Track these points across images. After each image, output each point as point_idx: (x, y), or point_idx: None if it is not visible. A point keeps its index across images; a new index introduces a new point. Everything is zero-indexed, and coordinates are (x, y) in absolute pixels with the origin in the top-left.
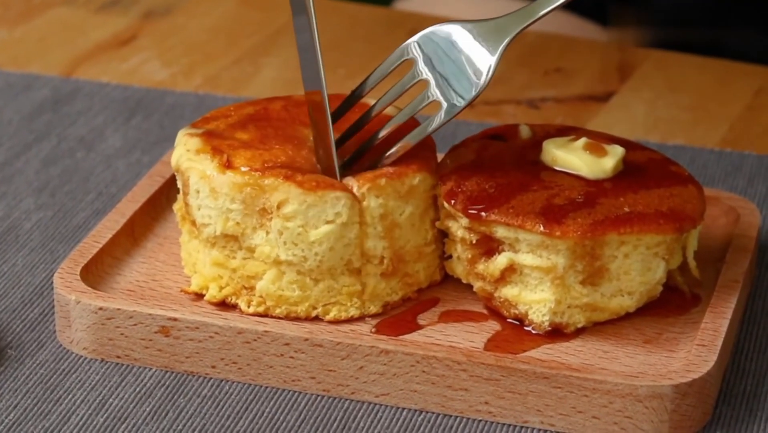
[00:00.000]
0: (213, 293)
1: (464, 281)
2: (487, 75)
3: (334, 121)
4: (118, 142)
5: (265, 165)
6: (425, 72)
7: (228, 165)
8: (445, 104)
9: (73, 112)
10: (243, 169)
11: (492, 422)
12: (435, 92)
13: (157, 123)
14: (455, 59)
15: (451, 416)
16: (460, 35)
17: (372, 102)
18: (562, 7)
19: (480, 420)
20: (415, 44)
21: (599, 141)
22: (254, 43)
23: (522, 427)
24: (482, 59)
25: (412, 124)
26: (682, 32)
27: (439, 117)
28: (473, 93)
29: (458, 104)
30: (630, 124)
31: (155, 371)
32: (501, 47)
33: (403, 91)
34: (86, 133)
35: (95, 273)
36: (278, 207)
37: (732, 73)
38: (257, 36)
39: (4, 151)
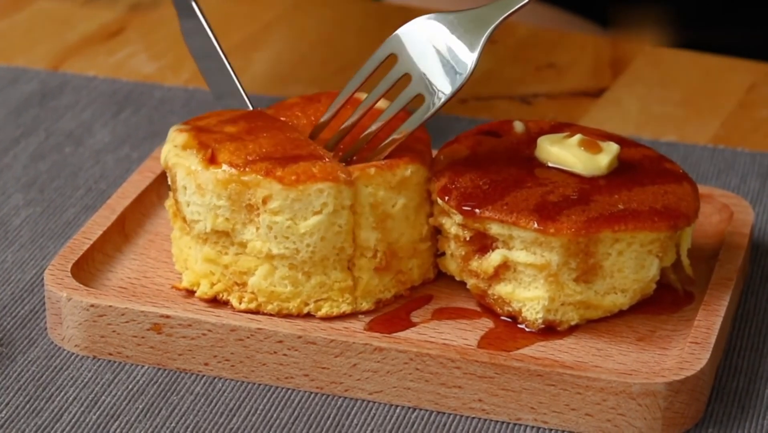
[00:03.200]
0: (204, 289)
1: (457, 278)
2: (471, 65)
3: (323, 125)
4: (106, 137)
5: (248, 158)
6: (409, 66)
7: (212, 160)
8: (430, 97)
9: (60, 106)
10: (224, 165)
11: (485, 420)
12: (420, 86)
13: (146, 117)
14: (438, 52)
15: (444, 413)
16: (441, 27)
17: (358, 99)
18: (560, 4)
19: (473, 418)
20: (398, 39)
21: (594, 138)
22: (243, 37)
23: (515, 424)
24: (465, 50)
25: (400, 118)
26: (679, 33)
27: (426, 110)
28: (458, 84)
29: (443, 96)
30: (622, 119)
31: (148, 368)
32: (484, 37)
33: (388, 87)
34: (74, 127)
35: (86, 270)
36: (264, 202)
37: (724, 68)
38: (246, 30)
39: None
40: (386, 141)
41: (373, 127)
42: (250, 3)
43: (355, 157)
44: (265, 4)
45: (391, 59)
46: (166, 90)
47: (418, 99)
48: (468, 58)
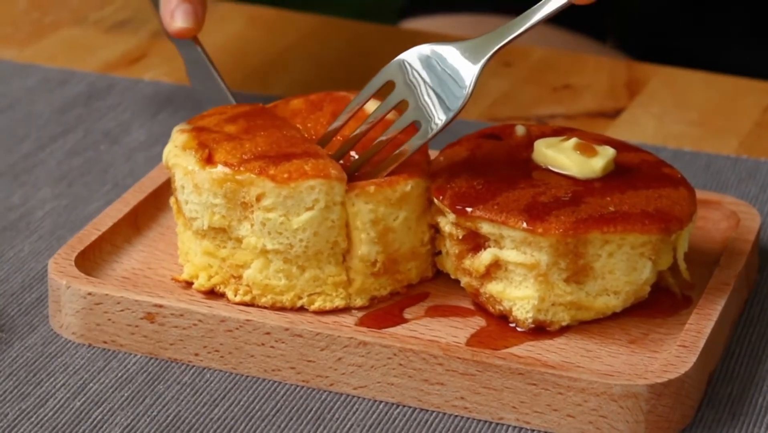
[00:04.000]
0: (202, 281)
1: (453, 276)
2: (468, 91)
3: (326, 141)
4: (142, 136)
5: (243, 157)
6: (406, 93)
7: (208, 160)
8: (427, 123)
9: (104, 107)
10: (219, 164)
11: (467, 418)
12: (416, 113)
13: (184, 118)
14: (436, 79)
15: (427, 410)
16: (439, 55)
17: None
18: (558, 24)
19: (455, 415)
20: (396, 66)
21: (592, 142)
22: (262, 61)
23: (497, 424)
24: (462, 78)
25: (407, 132)
26: (694, 54)
27: (425, 135)
28: (456, 109)
29: (440, 122)
30: (639, 140)
31: (140, 357)
32: (482, 62)
33: (386, 112)
34: (113, 127)
35: (92, 260)
36: (257, 200)
37: (740, 89)
38: (265, 55)
39: (31, 143)
40: (387, 160)
41: (374, 144)
42: (268, 28)
43: (356, 174)
44: (283, 30)
45: (389, 86)
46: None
47: (414, 123)
48: (467, 80)
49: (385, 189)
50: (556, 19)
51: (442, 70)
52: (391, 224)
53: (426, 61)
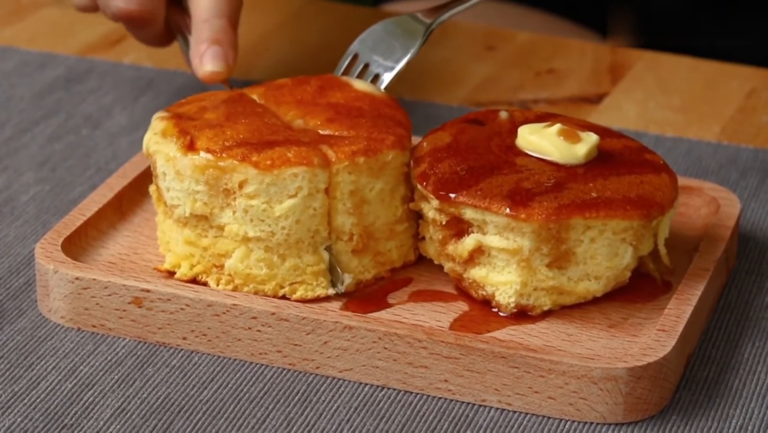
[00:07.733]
0: (184, 270)
1: (436, 262)
2: (419, 40)
3: None
4: (124, 120)
5: (225, 144)
6: (370, 58)
7: (190, 147)
8: (385, 69)
9: (84, 90)
10: (202, 151)
11: (451, 400)
12: (376, 68)
13: (165, 103)
14: (392, 41)
15: (411, 393)
16: (396, 23)
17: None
18: (561, 15)
19: (439, 397)
20: (360, 41)
21: (576, 128)
22: (245, 44)
23: (480, 406)
24: (412, 38)
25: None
26: (677, 39)
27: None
28: (415, 48)
29: (407, 55)
30: (622, 125)
31: (128, 341)
32: (436, 22)
33: (355, 75)
34: (94, 111)
35: (78, 245)
36: (240, 187)
37: (723, 74)
38: (248, 37)
39: (11, 127)
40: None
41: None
42: (252, 11)
43: None
44: (266, 13)
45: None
46: (188, 77)
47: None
48: (416, 39)
49: (370, 159)
50: (560, 10)
51: (395, 36)
52: (367, 195)
53: (378, 36)
